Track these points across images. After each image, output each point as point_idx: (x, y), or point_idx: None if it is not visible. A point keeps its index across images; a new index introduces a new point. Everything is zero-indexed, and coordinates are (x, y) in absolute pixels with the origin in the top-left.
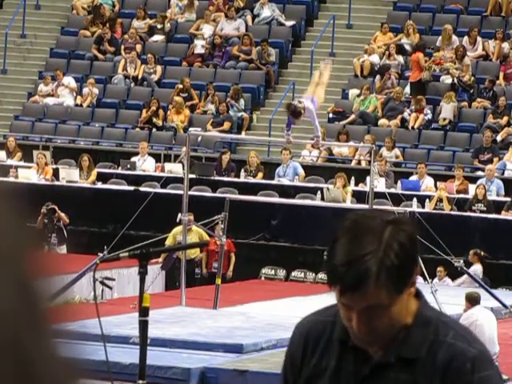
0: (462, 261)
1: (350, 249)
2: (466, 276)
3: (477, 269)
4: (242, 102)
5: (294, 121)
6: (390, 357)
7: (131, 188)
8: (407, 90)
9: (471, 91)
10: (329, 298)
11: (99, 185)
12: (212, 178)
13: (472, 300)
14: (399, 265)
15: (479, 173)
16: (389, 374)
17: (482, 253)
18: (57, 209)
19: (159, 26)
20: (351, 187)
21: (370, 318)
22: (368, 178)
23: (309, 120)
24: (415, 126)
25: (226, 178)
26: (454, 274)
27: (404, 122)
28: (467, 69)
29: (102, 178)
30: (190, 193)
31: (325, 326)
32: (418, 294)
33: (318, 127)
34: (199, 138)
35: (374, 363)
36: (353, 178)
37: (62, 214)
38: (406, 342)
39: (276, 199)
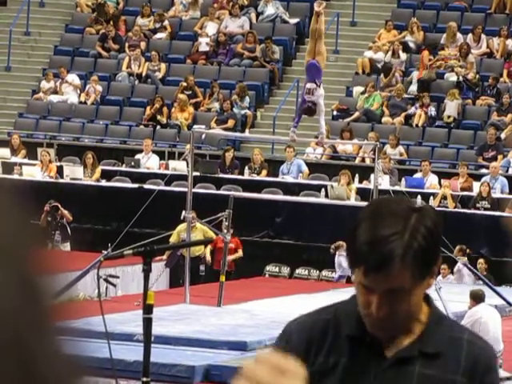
0: (465, 258)
1: (375, 229)
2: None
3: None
4: (247, 99)
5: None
6: (414, 351)
7: (135, 185)
8: (413, 87)
9: (476, 89)
10: (333, 296)
11: (103, 182)
12: (216, 175)
13: (476, 297)
14: (426, 248)
15: (483, 170)
16: (411, 368)
17: (468, 250)
18: (60, 206)
19: (157, 26)
20: (355, 185)
21: (391, 302)
22: (372, 176)
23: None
24: (419, 124)
25: (230, 176)
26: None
27: (408, 119)
28: (471, 66)
29: (106, 175)
30: (194, 190)
31: (326, 325)
32: (427, 297)
33: (323, 124)
34: (203, 136)
35: (396, 357)
36: (357, 175)
37: (65, 212)
38: (427, 336)
39: (280, 197)
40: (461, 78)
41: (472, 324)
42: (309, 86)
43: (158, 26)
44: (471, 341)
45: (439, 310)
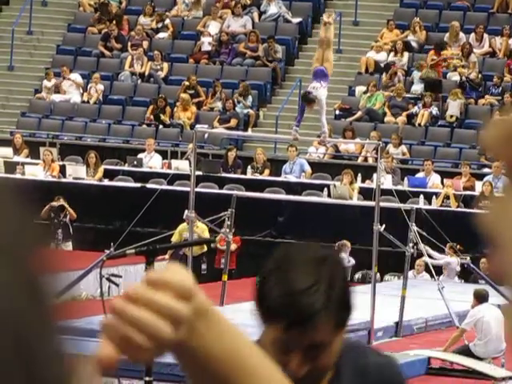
0: (468, 258)
1: (289, 282)
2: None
3: (452, 261)
4: (249, 98)
5: (306, 108)
6: None
7: (138, 185)
8: (415, 87)
9: (479, 89)
10: None
11: (106, 181)
12: (219, 174)
13: (480, 297)
14: (344, 296)
15: (486, 170)
16: None
17: (458, 246)
18: (66, 205)
19: (160, 25)
20: (358, 184)
21: (313, 358)
22: (375, 175)
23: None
24: (422, 123)
25: (232, 175)
26: (461, 270)
27: (411, 118)
28: (474, 66)
29: (108, 174)
30: (197, 189)
31: None
32: None
33: (325, 123)
34: (206, 135)
35: None
36: (359, 174)
37: (71, 210)
38: (335, 380)
39: (283, 196)
40: (464, 78)
41: (475, 323)
42: (313, 84)
43: (160, 25)
44: (376, 362)
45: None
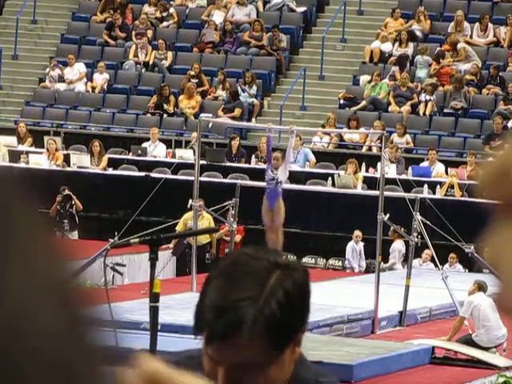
0: (472, 247)
1: (225, 292)
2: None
3: (397, 246)
4: (254, 87)
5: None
6: None
7: (142, 174)
8: (420, 74)
9: (478, 78)
10: (339, 284)
11: (110, 170)
12: (223, 163)
13: (480, 287)
14: (281, 317)
15: (490, 159)
16: None
17: (402, 229)
18: (72, 195)
19: (164, 14)
20: (362, 173)
21: (240, 379)
22: (379, 164)
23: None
24: (426, 113)
25: (236, 164)
26: (465, 260)
27: (415, 108)
28: (463, 53)
29: (112, 163)
30: (201, 179)
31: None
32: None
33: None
34: (210, 124)
35: None
36: (364, 164)
37: (78, 201)
38: None
39: (287, 185)
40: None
41: (471, 311)
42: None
43: (164, 14)
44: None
45: (304, 370)
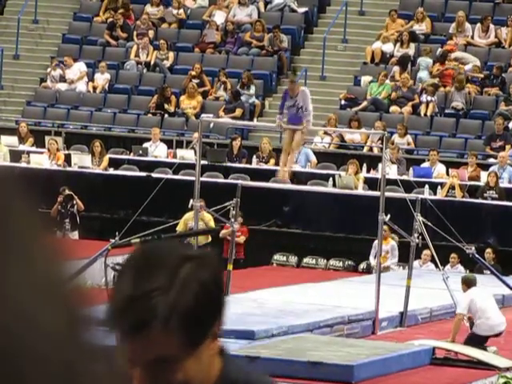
0: (473, 248)
1: (136, 283)
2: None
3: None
4: (252, 88)
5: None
6: None
7: (143, 174)
8: (421, 75)
9: (480, 79)
10: (340, 285)
11: (111, 171)
12: (224, 164)
13: (468, 282)
14: (197, 308)
15: (491, 160)
16: None
17: (387, 231)
18: (74, 195)
19: (167, 18)
20: (363, 174)
21: (158, 376)
22: (380, 165)
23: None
24: (427, 113)
25: (238, 165)
26: (466, 260)
27: (416, 108)
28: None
29: (113, 163)
30: (202, 179)
31: None
32: (222, 352)
33: (311, 110)
34: (211, 125)
35: None
36: (365, 164)
37: (79, 201)
38: None
39: (288, 186)
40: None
41: (469, 306)
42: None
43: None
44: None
45: (234, 369)
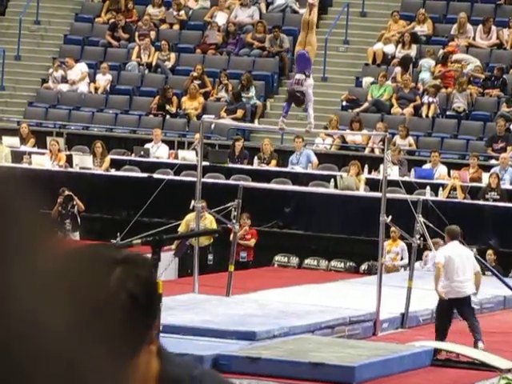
0: (475, 249)
1: None
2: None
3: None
4: (252, 89)
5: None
6: None
7: (145, 175)
8: (423, 76)
9: (481, 80)
10: (342, 286)
11: (112, 171)
12: (225, 165)
13: (451, 233)
14: (127, 317)
15: (493, 161)
16: None
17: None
18: (73, 196)
19: (169, 19)
20: (364, 175)
21: None
22: (381, 166)
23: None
24: (429, 115)
25: (239, 166)
26: None
27: (418, 110)
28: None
29: (115, 164)
30: (204, 180)
31: None
32: (159, 351)
33: (312, 114)
34: (213, 126)
35: None
36: (366, 165)
37: (79, 202)
38: None
39: (289, 187)
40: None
41: (446, 263)
42: (298, 76)
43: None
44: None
45: (174, 367)
